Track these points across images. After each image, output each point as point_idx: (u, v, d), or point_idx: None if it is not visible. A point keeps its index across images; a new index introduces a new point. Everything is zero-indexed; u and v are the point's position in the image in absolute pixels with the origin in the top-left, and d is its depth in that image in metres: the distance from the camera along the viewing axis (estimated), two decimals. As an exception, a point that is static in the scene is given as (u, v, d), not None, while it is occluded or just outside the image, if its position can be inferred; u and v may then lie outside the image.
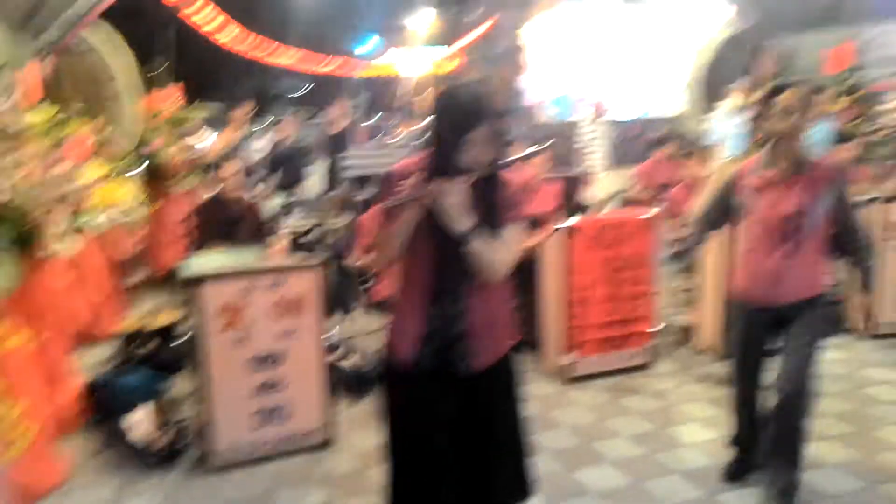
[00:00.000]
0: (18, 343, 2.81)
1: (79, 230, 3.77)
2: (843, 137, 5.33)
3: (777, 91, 2.62)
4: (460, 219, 1.90)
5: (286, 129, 7.88)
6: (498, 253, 1.97)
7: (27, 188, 3.04)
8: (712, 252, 4.30)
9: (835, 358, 4.27)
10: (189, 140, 7.19)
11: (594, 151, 7.75)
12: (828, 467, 3.05)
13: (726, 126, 4.97)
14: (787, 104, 2.58)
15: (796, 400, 2.65)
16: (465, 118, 1.89)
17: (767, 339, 2.81)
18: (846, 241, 2.71)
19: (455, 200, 1.88)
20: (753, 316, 2.80)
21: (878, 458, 3.14)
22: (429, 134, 2.03)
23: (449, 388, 2.06)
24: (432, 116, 2.00)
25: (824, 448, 3.19)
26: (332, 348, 3.98)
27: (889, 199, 4.60)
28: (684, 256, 3.06)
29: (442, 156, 1.94)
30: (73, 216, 3.63)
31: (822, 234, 2.68)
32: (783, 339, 2.74)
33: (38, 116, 4.00)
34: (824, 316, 2.77)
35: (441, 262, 2.00)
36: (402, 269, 2.08)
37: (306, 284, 3.35)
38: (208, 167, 7.40)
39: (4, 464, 2.18)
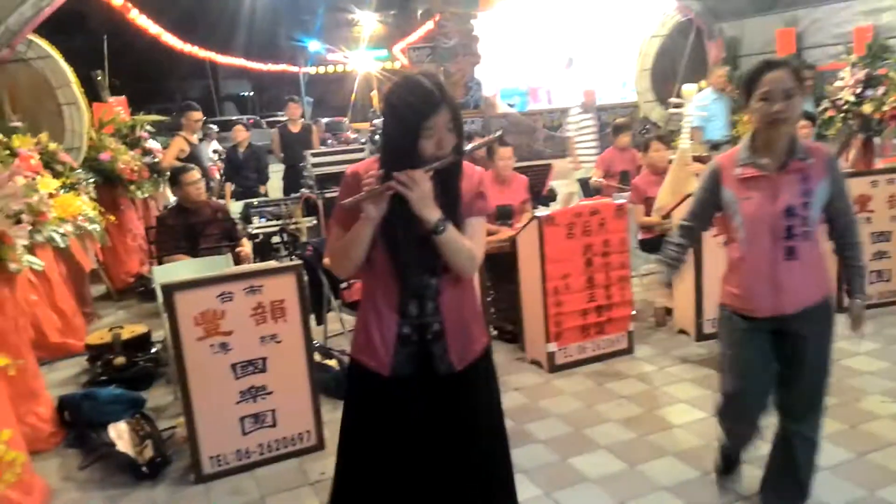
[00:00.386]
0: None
1: (43, 243, 3.62)
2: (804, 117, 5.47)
3: (765, 69, 2.25)
4: (430, 208, 1.79)
5: (240, 134, 7.74)
6: (468, 244, 1.89)
7: (-12, 202, 2.90)
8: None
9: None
10: (148, 147, 7.01)
11: (585, 140, 7.74)
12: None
13: (698, 111, 5.08)
14: (775, 85, 2.21)
15: (810, 441, 2.43)
16: (423, 104, 1.78)
17: (769, 354, 2.43)
18: (838, 236, 2.41)
19: (424, 188, 1.77)
20: (751, 329, 2.42)
21: (864, 427, 3.22)
22: (383, 127, 1.91)
23: (428, 393, 1.96)
24: (386, 108, 1.88)
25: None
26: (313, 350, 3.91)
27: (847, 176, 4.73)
28: (674, 267, 2.71)
29: (401, 148, 1.82)
30: (35, 230, 3.47)
31: (820, 229, 2.36)
32: (787, 359, 2.41)
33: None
34: (830, 327, 2.43)
35: (408, 260, 1.89)
36: (366, 271, 1.95)
37: (285, 288, 3.28)
38: (167, 175, 7.24)
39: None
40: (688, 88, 5.13)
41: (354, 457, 2.07)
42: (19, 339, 3.27)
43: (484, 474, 2.03)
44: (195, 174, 4.71)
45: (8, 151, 4.40)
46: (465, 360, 1.97)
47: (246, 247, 4.82)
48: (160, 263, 4.49)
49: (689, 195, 4.32)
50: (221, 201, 6.67)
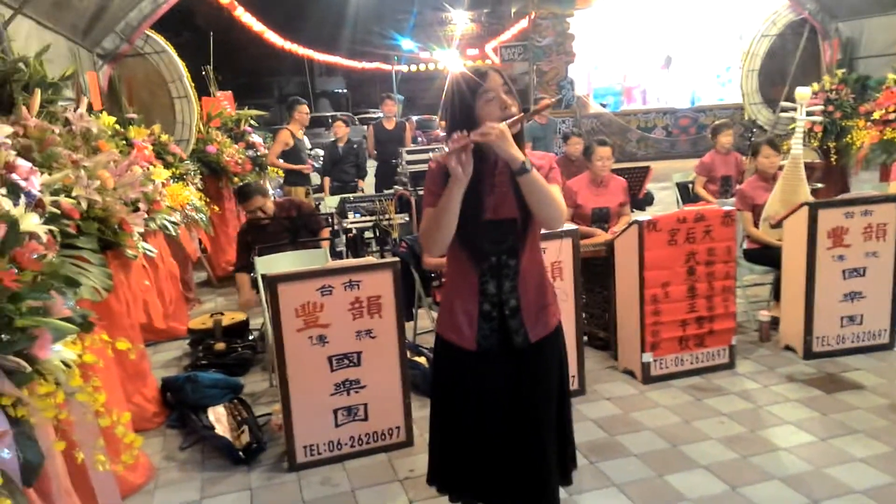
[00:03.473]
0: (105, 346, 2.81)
1: (155, 231, 3.79)
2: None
3: None
4: (514, 148, 1.87)
5: (340, 129, 7.90)
6: (555, 191, 1.99)
7: (109, 191, 3.04)
8: (794, 243, 4.14)
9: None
10: (251, 140, 7.26)
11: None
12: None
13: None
14: None
15: None
16: (474, 74, 1.97)
17: None
18: None
19: (504, 131, 1.85)
20: None
21: None
22: (447, 110, 2.05)
23: (507, 363, 2.11)
24: (448, 95, 2.04)
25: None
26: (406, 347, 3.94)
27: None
28: None
29: (467, 117, 1.95)
30: (149, 217, 3.64)
31: None
32: None
33: (104, 122, 4.05)
34: None
35: (485, 243, 2.04)
36: (449, 250, 2.08)
37: (382, 284, 3.30)
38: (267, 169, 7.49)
39: (110, 471, 2.17)
40: (801, 91, 4.85)
41: (447, 425, 2.22)
42: (131, 323, 3.43)
43: (548, 436, 2.16)
44: (256, 202, 4.71)
45: (125, 142, 4.63)
46: (539, 334, 2.13)
47: (340, 242, 4.87)
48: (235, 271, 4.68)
49: (802, 204, 4.11)
50: (318, 195, 6.85)
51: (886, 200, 4.18)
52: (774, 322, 4.48)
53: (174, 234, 3.97)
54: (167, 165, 5.44)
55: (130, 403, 3.58)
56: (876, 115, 6.64)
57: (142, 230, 3.27)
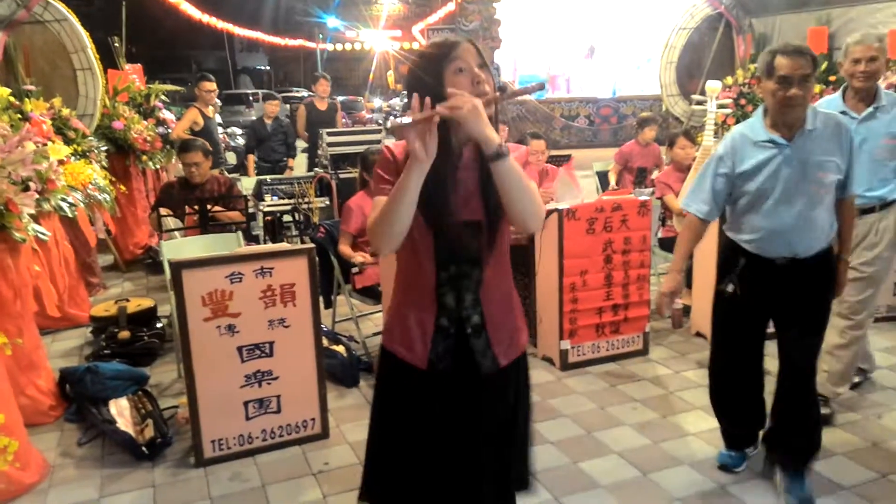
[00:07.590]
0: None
1: (50, 212, 3.53)
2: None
3: None
4: (489, 127, 1.55)
5: (274, 107, 7.62)
6: (531, 184, 1.65)
7: (-4, 168, 2.81)
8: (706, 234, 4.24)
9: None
10: (162, 117, 6.92)
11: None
12: (837, 456, 3.01)
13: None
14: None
15: None
16: (445, 41, 1.69)
17: None
18: None
19: (478, 105, 1.54)
20: None
21: (886, 446, 3.11)
22: (409, 83, 1.73)
23: (466, 389, 1.82)
24: (411, 67, 1.74)
25: (831, 437, 3.15)
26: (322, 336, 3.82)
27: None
28: None
29: (430, 91, 1.58)
30: (43, 197, 3.38)
31: None
32: None
33: (-3, 93, 3.75)
34: None
35: (446, 239, 1.72)
36: (401, 252, 1.77)
37: (297, 271, 3.18)
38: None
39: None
40: (711, 85, 4.97)
41: (386, 449, 1.95)
42: (22, 310, 3.19)
43: (513, 466, 1.96)
44: (195, 156, 4.67)
45: (20, 115, 4.31)
46: (510, 357, 1.84)
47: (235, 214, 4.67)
48: (158, 217, 4.54)
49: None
50: (234, 175, 6.59)
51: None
52: (686, 309, 4.60)
53: (70, 215, 3.71)
54: (68, 142, 5.10)
55: (24, 396, 3.35)
56: (784, 110, 6.90)
57: (32, 211, 3.03)
